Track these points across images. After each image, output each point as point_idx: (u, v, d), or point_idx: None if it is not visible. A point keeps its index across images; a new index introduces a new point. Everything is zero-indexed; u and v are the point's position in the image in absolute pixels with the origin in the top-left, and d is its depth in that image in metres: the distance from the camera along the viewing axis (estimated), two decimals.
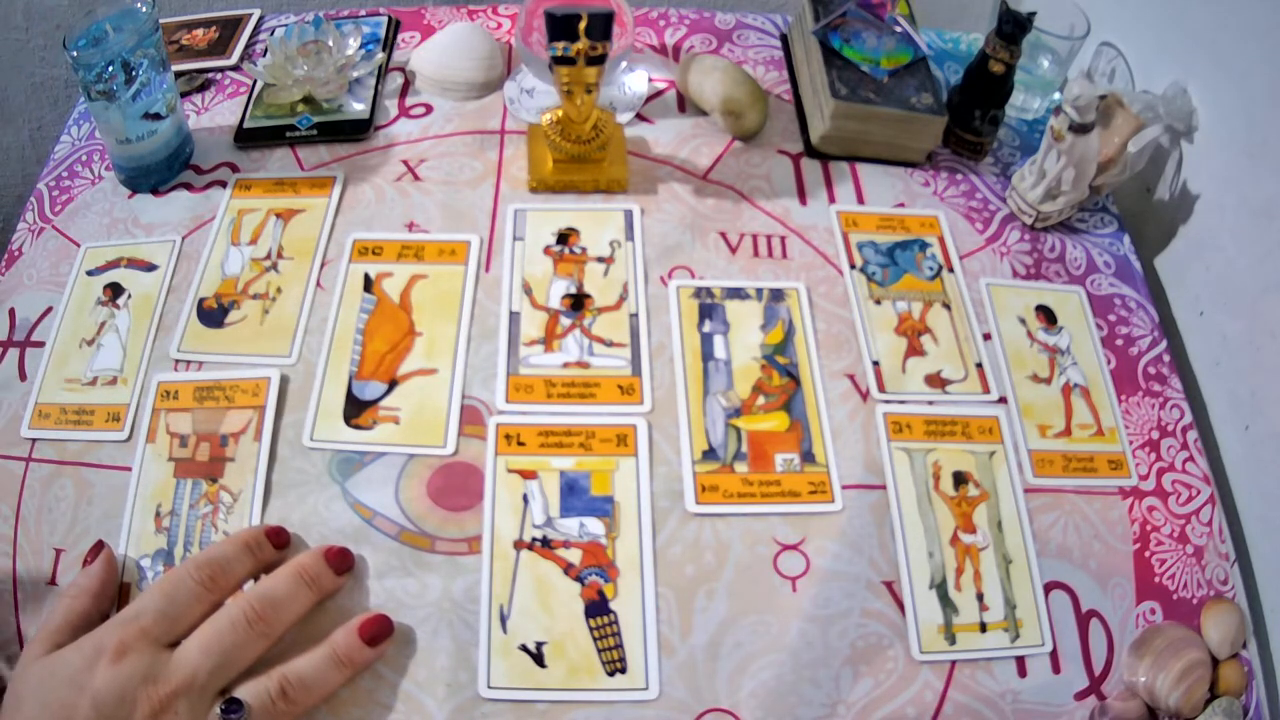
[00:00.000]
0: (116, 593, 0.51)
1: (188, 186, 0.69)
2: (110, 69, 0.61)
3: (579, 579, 0.53)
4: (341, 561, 0.51)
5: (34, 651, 0.46)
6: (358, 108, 0.73)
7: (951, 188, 0.73)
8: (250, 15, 0.83)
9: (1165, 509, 0.59)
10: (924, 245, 0.68)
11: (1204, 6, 0.68)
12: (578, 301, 0.63)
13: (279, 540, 0.52)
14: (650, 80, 0.78)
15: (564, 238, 0.66)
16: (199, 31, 0.81)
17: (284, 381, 0.58)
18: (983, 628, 0.54)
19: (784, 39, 0.83)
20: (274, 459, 0.56)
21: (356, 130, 0.72)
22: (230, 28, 0.81)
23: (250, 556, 0.50)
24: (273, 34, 0.77)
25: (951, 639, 0.53)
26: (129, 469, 0.56)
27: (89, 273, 0.65)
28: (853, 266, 0.67)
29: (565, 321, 0.62)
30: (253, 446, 0.56)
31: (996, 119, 0.73)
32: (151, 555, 0.53)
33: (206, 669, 0.45)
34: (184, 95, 0.75)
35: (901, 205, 0.71)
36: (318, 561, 0.50)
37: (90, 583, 0.50)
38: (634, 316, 0.63)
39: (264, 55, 0.78)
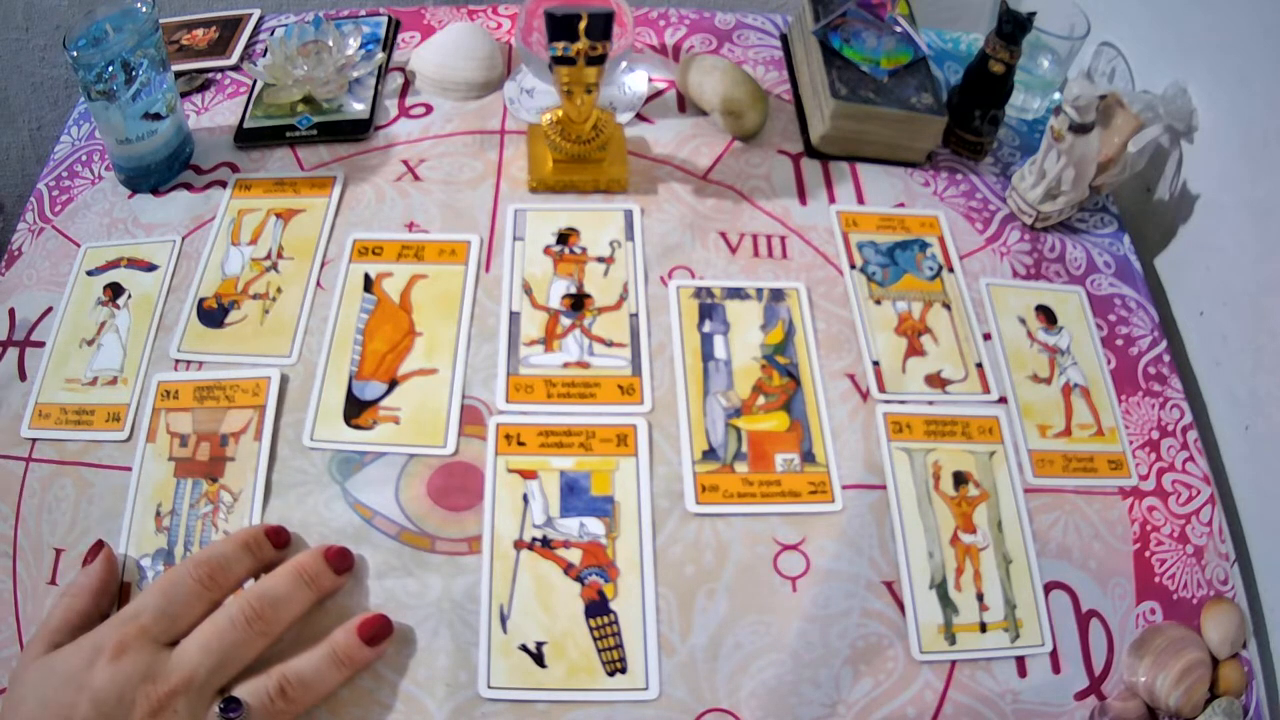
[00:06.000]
0: (117, 592, 0.51)
1: (188, 186, 0.69)
2: (110, 69, 0.61)
3: (579, 579, 0.53)
4: (341, 561, 0.51)
5: (33, 651, 0.46)
6: (358, 108, 0.73)
7: (951, 188, 0.73)
8: (250, 15, 0.83)
9: (1165, 509, 0.59)
10: (924, 245, 0.68)
11: (1203, 6, 0.68)
12: (578, 301, 0.63)
13: (279, 540, 0.52)
14: (650, 80, 0.78)
15: (564, 238, 0.66)
16: (199, 31, 0.81)
17: (284, 381, 0.58)
18: (983, 628, 0.54)
19: (784, 39, 0.83)
20: (274, 459, 0.56)
21: (356, 130, 0.72)
22: (230, 28, 0.81)
23: (249, 556, 0.50)
24: (273, 34, 0.77)
25: (951, 639, 0.53)
26: (129, 469, 0.56)
27: (89, 273, 0.65)
28: (853, 266, 0.67)
29: (565, 321, 0.62)
30: (253, 446, 0.56)
31: (996, 119, 0.73)
32: (152, 555, 0.53)
33: (206, 668, 0.45)
34: (184, 95, 0.75)
35: (901, 205, 0.71)
36: (317, 561, 0.50)
37: (90, 582, 0.50)
38: (634, 316, 0.63)
39: (264, 55, 0.78)
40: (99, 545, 0.52)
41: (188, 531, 0.53)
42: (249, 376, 0.58)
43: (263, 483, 0.55)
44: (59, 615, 0.48)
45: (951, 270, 0.67)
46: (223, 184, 0.69)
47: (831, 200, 0.71)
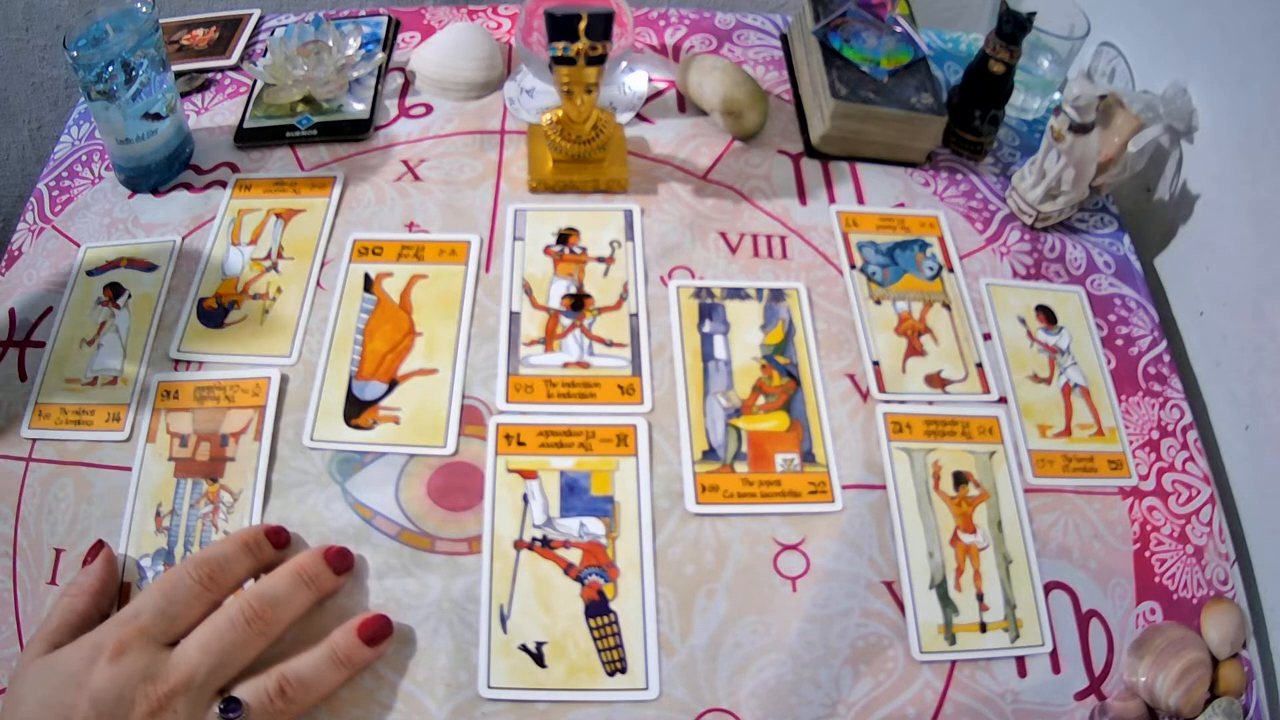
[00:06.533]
0: (116, 592, 0.51)
1: (188, 186, 0.69)
2: (110, 69, 0.61)
3: (579, 579, 0.53)
4: (341, 561, 0.51)
5: (33, 651, 0.46)
6: (358, 108, 0.73)
7: (951, 188, 0.73)
8: (250, 15, 0.83)
9: (1165, 509, 0.59)
10: (924, 245, 0.68)
11: (1204, 6, 0.68)
12: (578, 301, 0.63)
13: (278, 540, 0.52)
14: (650, 80, 0.78)
15: (564, 238, 0.66)
16: (199, 31, 0.81)
17: (284, 381, 0.58)
18: (983, 628, 0.54)
19: (784, 39, 0.83)
20: (274, 459, 0.56)
21: (356, 130, 0.72)
22: (230, 28, 0.81)
23: (249, 556, 0.50)
24: (273, 34, 0.77)
25: (951, 639, 0.53)
26: (129, 469, 0.56)
27: (89, 273, 0.65)
28: (853, 266, 0.67)
29: (565, 321, 0.62)
30: (253, 446, 0.56)
31: (996, 119, 0.73)
32: (152, 555, 0.53)
33: (205, 668, 0.45)
34: (184, 95, 0.75)
35: (901, 205, 0.71)
36: (317, 561, 0.50)
37: (89, 582, 0.50)
38: (634, 316, 0.63)
39: (264, 55, 0.78)
40: (99, 545, 0.52)
41: (188, 531, 0.53)
42: (249, 376, 0.58)
43: (263, 483, 0.55)
44: (58, 615, 0.48)
45: (951, 270, 0.67)
46: (223, 184, 0.69)
47: (831, 200, 0.71)
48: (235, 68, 0.78)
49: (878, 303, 0.65)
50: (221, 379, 0.59)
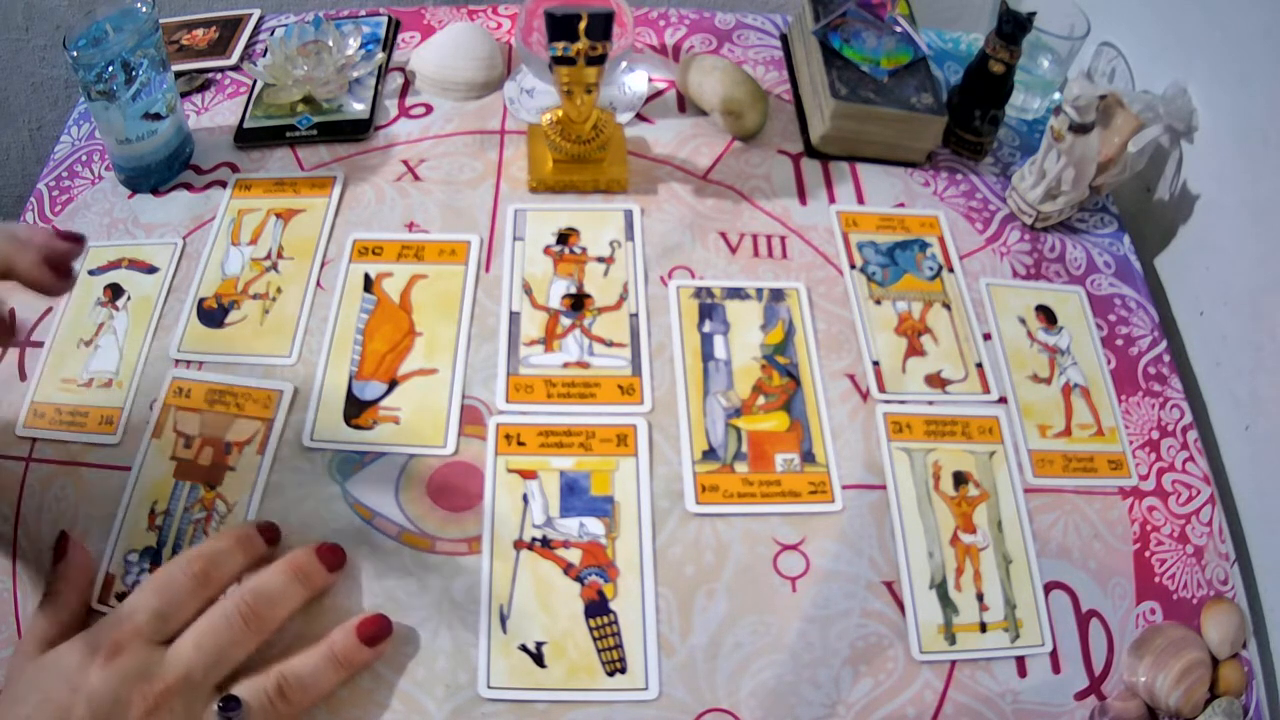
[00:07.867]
0: (94, 577, 0.51)
1: (188, 186, 0.69)
2: (110, 69, 0.61)
3: (579, 579, 0.53)
4: (332, 557, 0.51)
5: (26, 651, 0.46)
6: (358, 108, 0.73)
7: (951, 188, 0.73)
8: (250, 15, 0.83)
9: (1165, 509, 0.59)
10: (924, 245, 0.68)
11: (1204, 6, 0.68)
12: (578, 301, 0.63)
13: (270, 535, 0.51)
14: (650, 80, 0.78)
15: (564, 238, 0.66)
16: (199, 31, 0.81)
17: (295, 394, 0.58)
18: (983, 628, 0.53)
19: (784, 39, 0.83)
20: (274, 459, 0.56)
21: (356, 130, 0.72)
22: (230, 28, 0.81)
23: (242, 552, 0.50)
24: (273, 34, 0.77)
25: (951, 639, 0.53)
26: (128, 469, 0.56)
27: (89, 273, 0.64)
28: (853, 266, 0.67)
29: (565, 321, 0.62)
30: (255, 459, 0.55)
31: (996, 119, 0.73)
32: (140, 551, 0.53)
33: (202, 665, 0.45)
34: (184, 95, 0.75)
35: (901, 205, 0.71)
36: (309, 558, 0.50)
37: (65, 571, 0.50)
38: (634, 316, 0.63)
39: (264, 55, 0.78)
40: (64, 537, 0.51)
41: (179, 535, 0.53)
42: (263, 386, 0.58)
43: (259, 498, 0.54)
44: (45, 614, 0.48)
45: (951, 270, 0.67)
46: (223, 184, 0.69)
47: (831, 200, 0.71)
48: (235, 68, 0.78)
49: (878, 303, 0.65)
50: (234, 384, 0.58)
